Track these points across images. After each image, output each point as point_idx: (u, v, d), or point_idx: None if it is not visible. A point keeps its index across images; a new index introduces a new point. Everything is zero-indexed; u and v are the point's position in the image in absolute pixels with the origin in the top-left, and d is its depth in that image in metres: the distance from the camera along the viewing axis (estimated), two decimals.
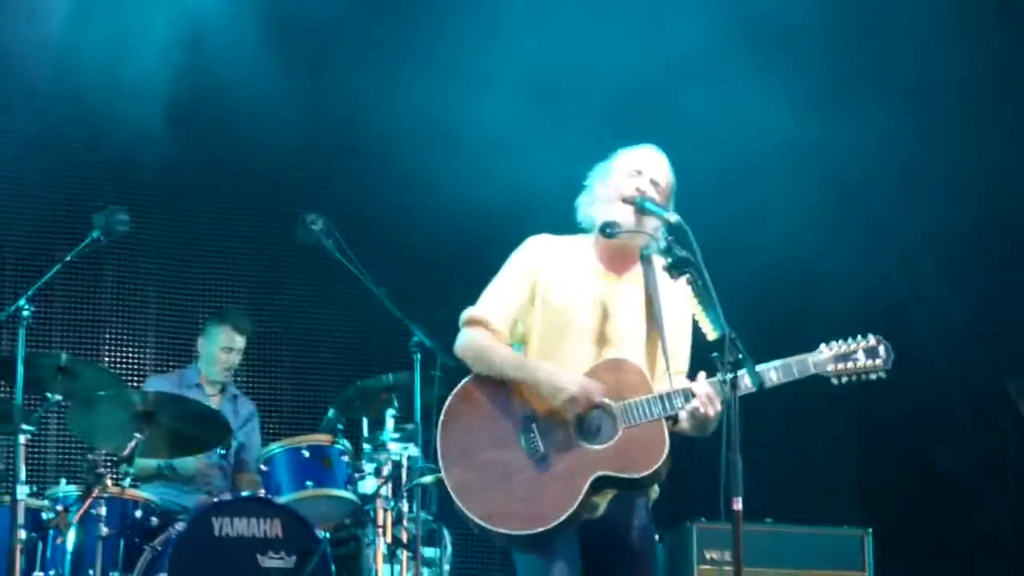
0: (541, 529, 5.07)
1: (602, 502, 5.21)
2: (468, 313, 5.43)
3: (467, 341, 5.39)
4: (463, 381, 5.35)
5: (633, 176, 5.36)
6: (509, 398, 5.26)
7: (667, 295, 5.39)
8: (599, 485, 5.13)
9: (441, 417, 5.29)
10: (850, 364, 5.17)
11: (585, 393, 5.15)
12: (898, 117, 9.75)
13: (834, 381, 5.20)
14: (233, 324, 8.60)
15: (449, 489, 5.19)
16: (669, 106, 9.42)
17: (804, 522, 8.97)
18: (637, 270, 5.45)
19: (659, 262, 5.40)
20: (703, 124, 9.40)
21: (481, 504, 5.15)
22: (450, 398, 5.32)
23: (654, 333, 5.35)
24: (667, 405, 5.14)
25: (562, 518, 5.07)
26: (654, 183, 5.36)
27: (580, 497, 5.08)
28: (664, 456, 5.10)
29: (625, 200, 5.32)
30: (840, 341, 5.21)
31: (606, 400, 5.17)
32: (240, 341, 8.62)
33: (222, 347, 8.56)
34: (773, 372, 5.12)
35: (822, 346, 5.20)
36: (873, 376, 5.18)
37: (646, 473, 5.11)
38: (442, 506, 7.47)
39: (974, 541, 9.85)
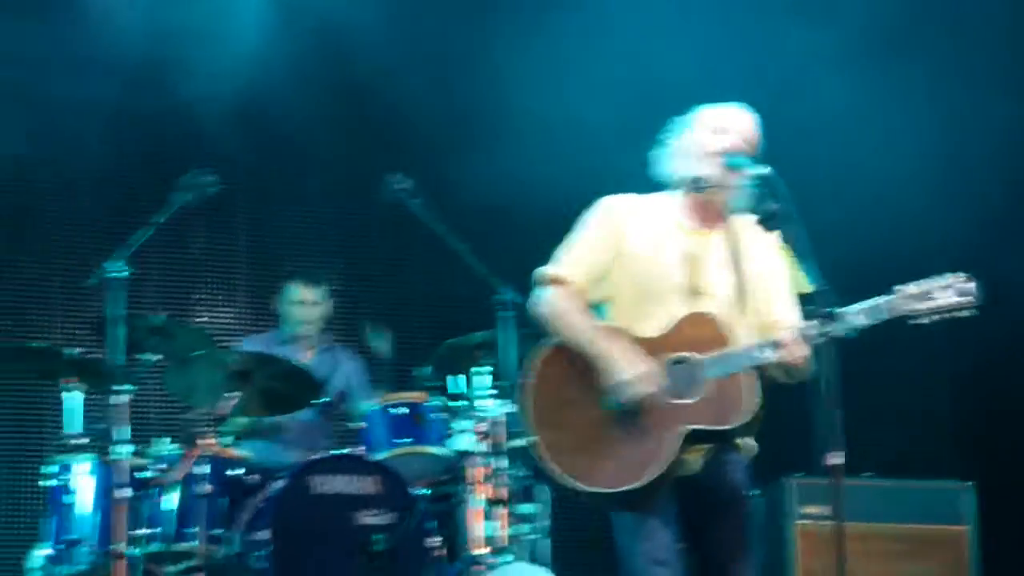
0: (633, 486, 5.07)
1: (697, 458, 5.20)
2: (547, 271, 5.42)
3: (544, 301, 5.37)
4: (547, 344, 5.34)
5: (718, 133, 5.33)
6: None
7: (757, 247, 5.37)
8: (690, 439, 5.11)
9: (526, 379, 5.30)
10: (937, 302, 5.07)
11: (640, 382, 5.11)
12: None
13: (924, 320, 5.08)
14: (301, 279, 8.69)
15: (539, 450, 5.20)
16: None
17: (904, 476, 8.92)
18: (723, 223, 5.40)
19: (747, 216, 5.38)
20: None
21: (571, 464, 5.16)
22: (533, 360, 5.33)
23: (744, 286, 5.32)
24: (754, 355, 5.11)
25: (654, 474, 5.06)
26: (744, 141, 5.32)
27: (672, 452, 5.07)
28: (754, 406, 5.09)
29: (712, 154, 5.29)
30: (925, 280, 5.11)
31: (692, 354, 5.14)
32: (310, 294, 8.68)
33: (293, 302, 8.65)
34: (861, 315, 5.05)
35: (909, 285, 5.10)
36: (963, 313, 5.08)
37: (736, 424, 5.10)
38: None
39: None
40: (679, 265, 5.32)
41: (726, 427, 5.11)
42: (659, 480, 5.08)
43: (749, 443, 5.37)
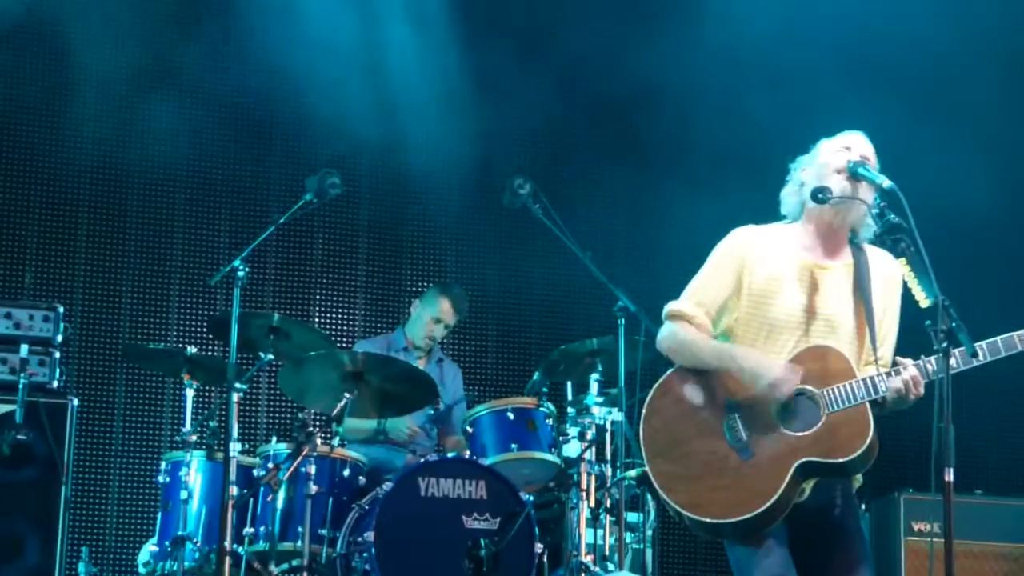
0: (746, 516, 5.05)
1: (807, 487, 5.15)
2: (671, 307, 5.43)
3: (669, 335, 5.38)
4: (665, 374, 5.34)
5: (841, 151, 5.31)
6: (711, 388, 5.25)
7: (878, 281, 5.34)
8: (804, 471, 5.08)
9: (644, 410, 5.30)
10: None
11: (786, 378, 5.11)
12: None
13: None
14: (453, 300, 8.67)
15: (653, 480, 5.21)
16: None
17: (1014, 494, 8.78)
18: (846, 254, 5.38)
19: (870, 249, 5.37)
20: None
21: (686, 494, 5.16)
22: (652, 391, 5.34)
23: (862, 319, 5.29)
24: (871, 389, 5.09)
25: (767, 504, 5.03)
26: (864, 158, 5.30)
27: (785, 483, 5.04)
28: (869, 439, 5.04)
29: (838, 171, 5.27)
30: None
31: (809, 387, 5.13)
32: (452, 318, 8.69)
33: (434, 317, 8.64)
34: (980, 350, 5.04)
35: None
36: None
37: (851, 458, 5.05)
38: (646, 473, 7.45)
39: None
40: (797, 295, 5.30)
41: (839, 460, 5.07)
42: (773, 510, 5.06)
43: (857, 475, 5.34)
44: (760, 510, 5.03)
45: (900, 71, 10.10)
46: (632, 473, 7.33)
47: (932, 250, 4.99)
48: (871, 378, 5.10)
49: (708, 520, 5.12)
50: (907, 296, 5.19)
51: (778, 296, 5.29)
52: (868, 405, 5.09)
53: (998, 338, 5.10)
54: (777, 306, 5.28)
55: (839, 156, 5.29)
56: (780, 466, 5.06)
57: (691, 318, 5.35)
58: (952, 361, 4.97)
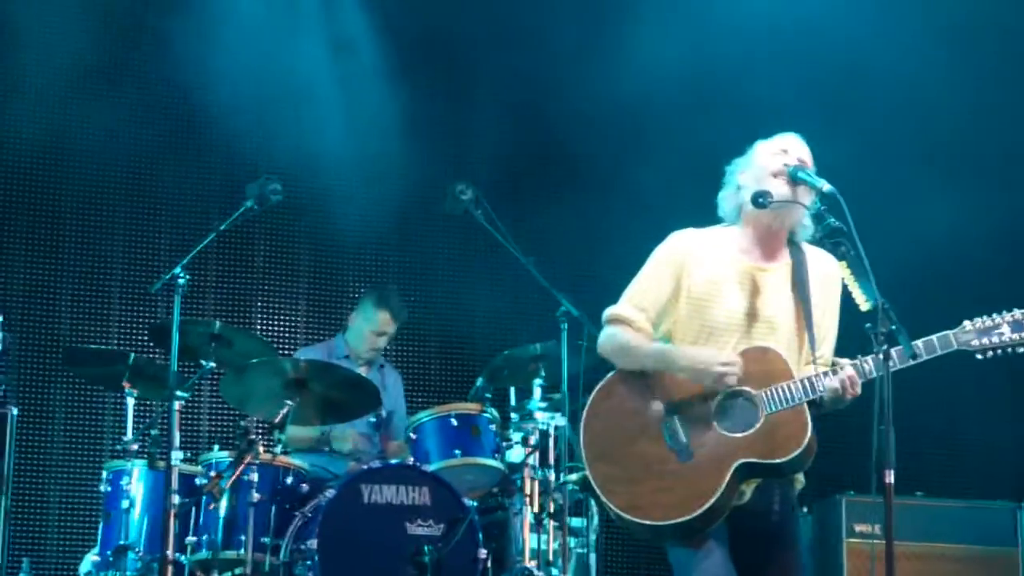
0: (685, 518, 5.08)
1: (747, 489, 5.19)
2: (610, 311, 5.44)
3: (608, 339, 5.40)
4: (605, 377, 5.36)
5: (778, 154, 5.33)
6: (651, 392, 5.27)
7: (816, 280, 5.37)
8: (743, 473, 5.11)
9: (584, 413, 5.32)
10: (995, 338, 5.16)
11: (729, 366, 5.13)
12: None
13: (979, 356, 5.18)
14: (391, 311, 8.64)
15: (592, 483, 5.23)
16: None
17: (955, 496, 8.84)
18: (785, 255, 5.40)
19: (809, 248, 5.40)
20: None
21: (625, 496, 5.18)
22: (592, 394, 5.35)
23: (802, 319, 5.32)
24: (809, 389, 5.13)
25: (706, 506, 5.06)
26: (801, 161, 5.33)
27: (724, 484, 5.07)
28: (807, 440, 5.07)
29: (776, 174, 5.28)
30: (985, 316, 5.19)
31: (748, 388, 5.15)
32: (393, 328, 8.68)
33: (374, 330, 8.62)
34: (917, 348, 5.09)
35: (966, 322, 5.19)
36: (1021, 349, 5.17)
37: (788, 458, 5.09)
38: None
39: None
40: (736, 297, 5.32)
41: (778, 460, 5.10)
42: (712, 512, 5.08)
43: (798, 476, 5.36)
44: (699, 512, 5.05)
45: (850, 92, 10.20)
46: (574, 477, 7.35)
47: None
48: (809, 378, 5.13)
49: (647, 522, 5.13)
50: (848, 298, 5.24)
51: (717, 299, 5.31)
52: (806, 406, 5.11)
53: (934, 336, 5.14)
54: (717, 309, 5.30)
55: (776, 159, 5.31)
56: (719, 467, 5.08)
57: (631, 322, 5.36)
58: (892, 359, 5.03)
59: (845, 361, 5.18)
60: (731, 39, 9.81)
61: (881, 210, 8.48)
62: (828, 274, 5.37)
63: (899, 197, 9.79)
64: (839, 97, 10.17)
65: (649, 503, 5.13)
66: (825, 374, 5.14)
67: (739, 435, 5.12)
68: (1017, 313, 5.18)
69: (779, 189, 5.26)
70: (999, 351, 5.18)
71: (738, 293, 5.31)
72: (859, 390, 5.11)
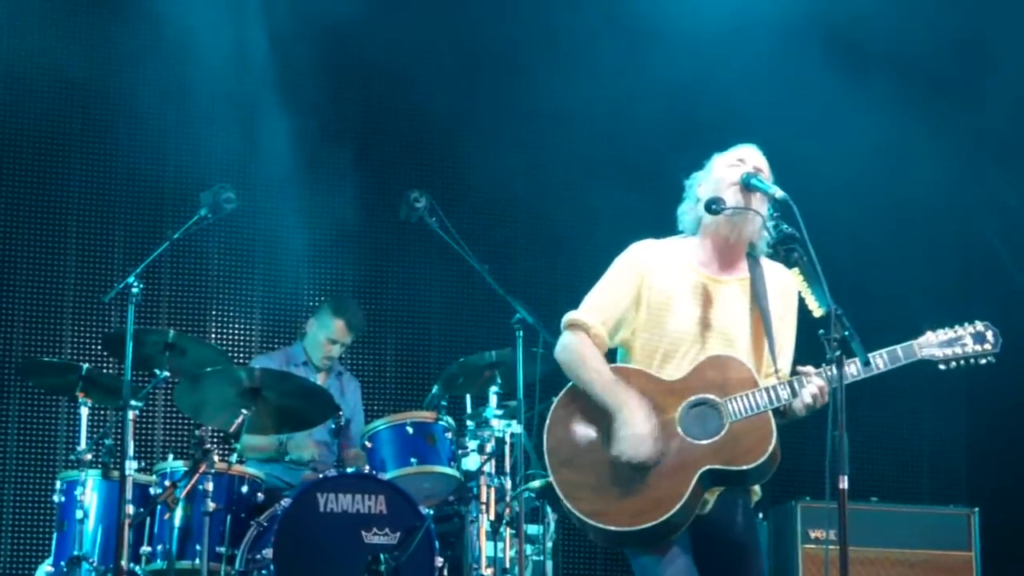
0: (649, 524, 5.07)
1: (710, 499, 5.20)
2: (570, 316, 5.43)
3: (566, 347, 5.39)
4: (567, 386, 5.34)
5: (735, 165, 5.35)
6: None
7: (775, 293, 5.38)
8: (707, 480, 5.12)
9: (547, 420, 5.31)
10: (957, 349, 5.22)
11: (642, 442, 5.11)
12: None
13: (941, 367, 5.25)
14: (347, 320, 8.63)
15: (557, 489, 5.20)
16: None
17: (910, 501, 8.88)
18: (743, 268, 5.42)
19: (767, 263, 5.41)
20: None
21: (589, 502, 5.16)
22: (555, 402, 5.34)
23: (760, 331, 5.33)
24: (773, 397, 5.14)
25: (670, 513, 5.06)
26: (757, 169, 5.34)
27: (689, 491, 5.07)
28: (772, 447, 5.08)
29: (732, 184, 5.30)
30: (947, 328, 5.24)
31: (711, 396, 5.16)
32: (348, 337, 8.67)
33: (329, 338, 8.61)
34: (879, 359, 5.14)
35: (928, 333, 5.24)
36: (982, 361, 5.23)
37: (754, 465, 5.09)
38: (546, 484, 7.47)
39: None
40: (695, 312, 5.33)
41: (742, 467, 5.11)
42: (676, 518, 5.08)
43: (755, 488, 5.39)
44: (663, 518, 5.05)
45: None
46: (535, 484, 7.32)
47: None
48: (773, 387, 5.15)
49: (612, 528, 5.12)
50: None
51: (672, 310, 5.31)
52: (770, 414, 5.13)
53: (897, 347, 5.19)
54: (673, 320, 5.30)
55: (733, 170, 5.33)
56: (683, 475, 5.08)
57: (589, 328, 5.35)
58: (853, 369, 5.06)
59: (810, 369, 5.18)
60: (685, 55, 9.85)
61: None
62: (786, 286, 5.38)
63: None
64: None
65: (614, 509, 5.12)
66: (789, 383, 5.14)
67: (704, 442, 5.12)
68: (979, 324, 5.23)
69: (734, 198, 5.27)
70: (961, 362, 5.23)
71: (693, 305, 5.32)
72: (827, 398, 5.10)
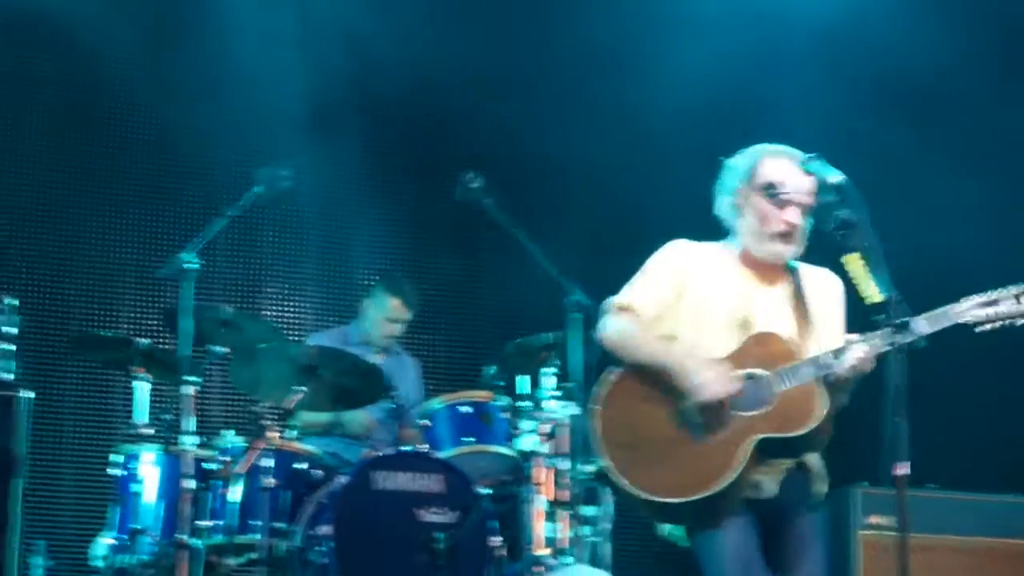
0: (704, 494, 5.13)
1: (770, 481, 5.27)
2: (614, 300, 5.50)
3: (613, 328, 5.45)
4: (607, 371, 5.42)
5: (781, 210, 5.39)
6: (662, 377, 5.31)
7: (817, 297, 5.48)
8: (762, 449, 5.17)
9: (596, 404, 5.37)
10: (996, 310, 5.19)
11: (715, 380, 5.18)
12: None
13: (977, 329, 5.19)
14: (404, 299, 8.68)
15: (611, 468, 5.28)
16: None
17: (970, 488, 8.85)
18: (784, 278, 5.51)
19: (806, 268, 5.50)
20: None
21: (645, 478, 5.23)
22: (603, 384, 5.40)
23: (805, 335, 5.39)
24: (819, 365, 5.19)
25: (726, 483, 5.11)
26: (805, 207, 5.40)
27: (744, 461, 5.12)
28: (823, 411, 5.14)
29: (774, 234, 5.41)
30: (987, 292, 5.22)
31: (758, 370, 5.22)
32: (407, 315, 8.70)
33: (388, 317, 8.65)
34: (922, 322, 5.13)
35: (974, 296, 5.21)
36: (1020, 321, 5.20)
37: (807, 429, 5.15)
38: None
39: None
40: (740, 307, 5.41)
41: (795, 434, 5.15)
42: (731, 492, 5.13)
43: (820, 471, 5.44)
44: (718, 488, 5.12)
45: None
46: (590, 468, 7.35)
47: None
48: (817, 356, 5.20)
49: (669, 500, 5.18)
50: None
51: (714, 312, 5.41)
52: (818, 382, 5.17)
53: (937, 310, 5.18)
54: (713, 322, 5.39)
55: (778, 218, 5.37)
56: (737, 446, 5.15)
57: (635, 310, 5.42)
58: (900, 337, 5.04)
59: (854, 336, 5.21)
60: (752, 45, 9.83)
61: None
62: (828, 289, 5.51)
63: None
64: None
65: (669, 483, 5.18)
66: (835, 351, 5.18)
67: (753, 414, 5.18)
68: (1014, 288, 5.21)
69: (772, 249, 5.40)
70: (1001, 323, 5.21)
71: (733, 307, 5.41)
72: (871, 365, 5.15)
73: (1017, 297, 5.19)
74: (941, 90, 10.22)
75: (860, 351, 5.14)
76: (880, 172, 9.28)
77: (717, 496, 5.13)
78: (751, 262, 5.50)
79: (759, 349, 5.28)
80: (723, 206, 5.55)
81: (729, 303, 5.40)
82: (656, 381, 5.31)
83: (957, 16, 9.90)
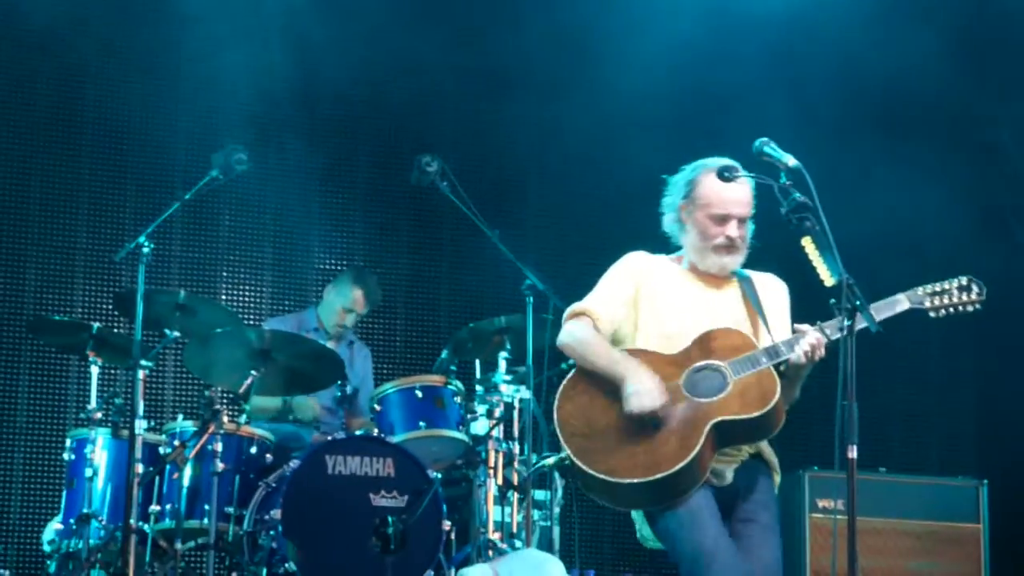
0: (662, 475, 5.16)
1: (729, 470, 5.34)
2: (574, 306, 5.59)
3: (570, 332, 5.52)
4: (573, 369, 5.48)
5: (721, 226, 5.48)
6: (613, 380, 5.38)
7: (766, 297, 5.56)
8: (721, 434, 5.22)
9: (556, 400, 5.42)
10: (945, 299, 5.38)
11: (642, 398, 5.23)
12: None
13: (931, 314, 5.41)
14: (366, 291, 8.65)
15: (572, 456, 5.31)
16: None
17: (919, 472, 8.86)
18: (733, 284, 5.59)
19: (753, 273, 5.59)
20: None
21: (604, 462, 5.26)
22: (563, 382, 5.47)
23: (758, 332, 5.46)
24: (773, 353, 5.27)
25: (683, 462, 5.15)
26: (742, 221, 5.50)
27: (701, 443, 5.17)
28: (778, 395, 5.20)
29: (717, 248, 5.50)
30: (935, 283, 5.41)
31: (714, 360, 5.31)
32: (364, 308, 8.68)
33: (345, 307, 8.62)
34: (873, 309, 5.24)
35: (918, 288, 5.40)
36: (968, 308, 5.40)
37: (763, 411, 5.20)
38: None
39: None
40: (694, 314, 5.47)
41: (752, 415, 5.20)
42: (692, 474, 5.17)
43: (775, 462, 5.51)
44: (676, 468, 5.14)
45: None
46: (549, 461, 7.32)
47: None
48: (772, 345, 5.29)
49: (627, 481, 5.20)
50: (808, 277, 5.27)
51: (671, 313, 5.50)
52: (772, 369, 5.24)
53: (889, 298, 5.35)
54: (671, 322, 5.47)
55: (718, 232, 5.47)
56: (694, 430, 5.20)
57: (595, 316, 5.52)
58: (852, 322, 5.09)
59: (806, 327, 5.27)
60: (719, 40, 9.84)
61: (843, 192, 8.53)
62: (775, 289, 5.62)
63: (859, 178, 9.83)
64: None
65: (628, 465, 5.22)
66: (788, 340, 5.27)
67: (711, 399, 5.25)
68: (964, 279, 5.40)
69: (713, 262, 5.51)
70: (949, 310, 5.40)
71: (690, 308, 5.50)
72: (823, 352, 5.23)
73: (961, 288, 5.38)
74: (898, 87, 10.25)
75: (812, 338, 5.20)
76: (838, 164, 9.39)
77: (678, 477, 5.15)
78: (700, 272, 5.59)
79: (714, 343, 5.35)
80: (668, 223, 5.65)
81: (684, 309, 5.48)
82: (610, 380, 5.37)
83: (915, 15, 9.93)
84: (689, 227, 5.54)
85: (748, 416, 5.21)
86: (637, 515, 5.50)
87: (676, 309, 5.48)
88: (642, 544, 5.58)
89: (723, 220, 5.45)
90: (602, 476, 5.23)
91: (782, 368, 5.27)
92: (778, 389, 5.21)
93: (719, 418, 5.20)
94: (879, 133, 10.27)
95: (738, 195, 5.45)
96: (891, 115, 10.37)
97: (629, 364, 5.32)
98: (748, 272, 5.62)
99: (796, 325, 5.34)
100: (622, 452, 5.24)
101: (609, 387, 5.34)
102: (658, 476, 5.16)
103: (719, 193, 5.45)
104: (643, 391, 5.23)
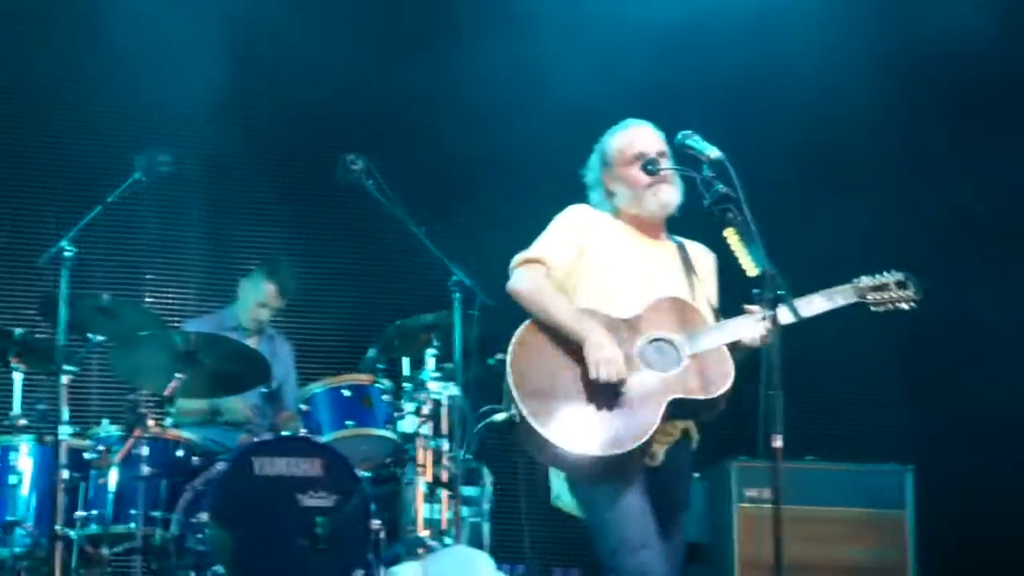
0: (620, 451, 5.14)
1: (661, 449, 5.34)
2: (523, 254, 5.56)
3: (524, 278, 5.48)
4: (525, 323, 5.41)
5: (636, 162, 5.56)
6: (571, 338, 5.33)
7: (697, 262, 5.65)
8: (673, 409, 5.22)
9: (510, 350, 5.35)
10: (884, 295, 5.45)
11: (611, 373, 5.19)
12: None
13: (872, 308, 5.48)
14: (279, 284, 8.62)
15: (526, 417, 5.21)
16: None
17: (844, 460, 8.92)
18: (670, 245, 5.65)
19: (688, 244, 5.68)
20: None
21: (561, 429, 5.19)
22: (518, 331, 5.39)
23: (693, 297, 5.52)
24: (729, 332, 5.32)
25: (641, 441, 5.15)
26: (660, 154, 5.56)
27: (658, 420, 5.17)
28: (733, 376, 5.25)
29: (645, 186, 5.55)
30: (874, 276, 5.49)
31: (665, 333, 5.30)
32: (278, 302, 8.66)
33: (259, 301, 8.60)
34: (817, 300, 5.37)
35: (863, 278, 5.49)
36: (905, 306, 5.47)
37: (720, 392, 5.24)
38: (482, 445, 7.46)
39: (1021, 480, 9.73)
40: (637, 268, 5.50)
41: (707, 396, 5.23)
42: (642, 449, 5.18)
43: (695, 435, 5.53)
44: (635, 446, 5.14)
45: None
46: (498, 418, 7.27)
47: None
48: (727, 322, 5.36)
49: (584, 454, 5.15)
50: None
51: (615, 266, 5.50)
52: (726, 348, 5.29)
53: (832, 288, 5.44)
54: (615, 275, 5.48)
55: (640, 175, 5.54)
56: (653, 404, 5.19)
57: (546, 263, 5.48)
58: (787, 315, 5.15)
59: (757, 308, 5.25)
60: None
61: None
62: (704, 257, 5.68)
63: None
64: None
65: (585, 436, 5.18)
66: (741, 321, 5.32)
67: (668, 373, 5.24)
68: (900, 274, 5.49)
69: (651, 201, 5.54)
70: (888, 306, 5.48)
71: (632, 262, 5.52)
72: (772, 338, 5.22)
73: (899, 284, 5.47)
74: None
75: (768, 322, 5.16)
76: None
77: (631, 454, 5.16)
78: (641, 225, 5.60)
79: (667, 313, 5.36)
80: (598, 202, 5.69)
81: (624, 265, 5.49)
82: (568, 338, 5.32)
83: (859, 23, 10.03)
84: (617, 188, 5.60)
85: (707, 397, 5.23)
86: (557, 477, 5.48)
87: (617, 263, 5.49)
88: (553, 504, 5.57)
89: (640, 159, 5.51)
90: (558, 444, 5.17)
91: (734, 344, 5.31)
92: (732, 370, 5.25)
93: (676, 395, 5.20)
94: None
95: (644, 135, 5.58)
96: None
97: (592, 325, 5.28)
98: (680, 239, 5.65)
99: (746, 306, 5.35)
100: (581, 420, 5.19)
101: (567, 346, 5.28)
102: (616, 452, 5.14)
103: (627, 139, 5.58)
104: (612, 358, 5.19)
